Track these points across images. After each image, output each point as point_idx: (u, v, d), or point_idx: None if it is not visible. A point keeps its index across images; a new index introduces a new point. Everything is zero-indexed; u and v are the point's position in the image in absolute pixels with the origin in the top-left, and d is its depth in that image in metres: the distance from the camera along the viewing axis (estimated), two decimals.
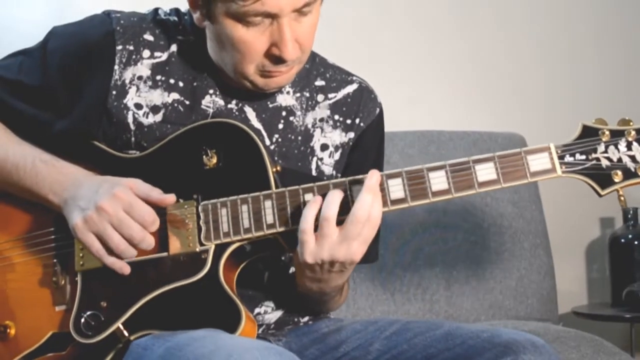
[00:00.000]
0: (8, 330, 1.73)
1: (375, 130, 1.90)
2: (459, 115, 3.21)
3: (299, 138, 1.83)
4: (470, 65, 3.27)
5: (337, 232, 1.57)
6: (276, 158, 1.79)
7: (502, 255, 2.79)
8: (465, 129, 2.94)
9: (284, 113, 1.82)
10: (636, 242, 3.13)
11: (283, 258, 1.84)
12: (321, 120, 1.85)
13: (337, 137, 1.85)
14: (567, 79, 3.32)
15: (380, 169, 1.89)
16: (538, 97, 3.29)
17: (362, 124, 1.87)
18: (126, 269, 1.65)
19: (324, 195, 1.60)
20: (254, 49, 1.65)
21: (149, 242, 1.64)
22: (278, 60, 1.66)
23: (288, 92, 1.83)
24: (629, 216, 3.15)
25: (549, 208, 2.95)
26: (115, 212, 1.62)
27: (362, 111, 1.87)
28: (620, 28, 3.37)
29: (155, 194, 1.65)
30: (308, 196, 1.62)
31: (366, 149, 1.88)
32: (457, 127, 2.95)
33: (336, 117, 1.85)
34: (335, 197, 1.58)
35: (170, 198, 1.66)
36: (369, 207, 1.57)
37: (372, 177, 1.58)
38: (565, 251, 3.19)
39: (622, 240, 3.16)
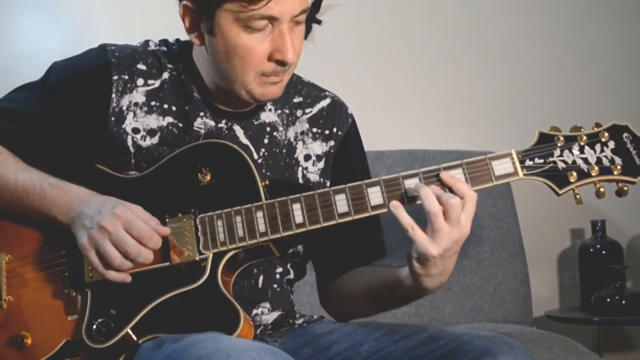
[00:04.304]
0: (25, 340, 1.72)
1: (354, 138, 1.93)
2: (442, 135, 3.21)
3: (284, 151, 1.85)
4: (452, 90, 3.28)
5: (446, 224, 1.56)
6: (264, 170, 1.81)
7: (481, 264, 2.79)
8: (447, 148, 2.94)
9: (268, 129, 1.84)
10: (604, 252, 3.15)
11: (280, 269, 1.85)
12: (302, 133, 1.87)
13: (317, 147, 1.87)
14: (539, 102, 3.31)
15: (367, 171, 1.93)
16: (514, 119, 3.29)
17: (339, 133, 1.89)
18: (128, 279, 1.65)
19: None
20: (256, 54, 1.67)
21: (146, 256, 1.63)
22: (278, 63, 1.69)
23: (270, 110, 1.85)
24: (597, 228, 3.17)
25: (524, 220, 2.96)
26: (114, 230, 1.62)
27: (337, 122, 1.90)
28: (589, 53, 3.37)
29: (153, 223, 1.66)
30: (296, 206, 1.64)
31: (350, 156, 1.91)
32: (440, 147, 2.95)
33: (314, 129, 1.88)
34: (429, 193, 1.57)
35: (165, 230, 1.66)
36: (464, 189, 1.58)
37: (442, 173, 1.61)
38: (539, 260, 3.20)
39: (591, 250, 3.17)
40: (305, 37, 1.77)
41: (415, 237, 1.58)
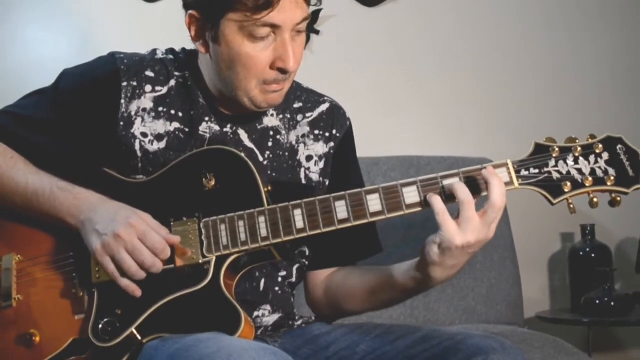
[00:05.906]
0: (33, 338, 1.73)
1: (349, 139, 1.95)
2: (437, 142, 3.21)
3: (286, 154, 1.86)
4: (448, 97, 3.28)
5: (477, 217, 1.57)
6: (269, 172, 1.82)
7: (474, 266, 2.78)
8: (442, 154, 2.93)
9: (271, 133, 1.85)
10: (593, 255, 3.14)
11: (284, 273, 1.86)
12: (303, 136, 1.89)
13: (319, 148, 1.89)
14: (532, 111, 3.31)
15: (359, 172, 1.95)
16: (507, 126, 3.29)
17: (338, 134, 1.91)
18: (137, 293, 1.66)
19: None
20: (259, 62, 1.69)
21: (159, 267, 1.65)
22: (280, 71, 1.70)
23: (272, 115, 1.87)
24: (587, 232, 3.16)
25: (516, 225, 2.96)
26: (130, 240, 1.63)
27: (336, 124, 1.92)
28: (585, 63, 3.38)
29: (164, 232, 1.67)
30: (297, 211, 1.64)
31: (346, 156, 1.93)
32: (435, 153, 2.95)
33: (316, 132, 1.89)
34: (462, 185, 1.58)
35: (175, 239, 1.66)
36: (503, 192, 1.57)
37: (490, 169, 1.59)
38: (530, 263, 3.19)
39: (581, 253, 3.17)
40: (304, 47, 1.78)
41: (443, 223, 1.57)
